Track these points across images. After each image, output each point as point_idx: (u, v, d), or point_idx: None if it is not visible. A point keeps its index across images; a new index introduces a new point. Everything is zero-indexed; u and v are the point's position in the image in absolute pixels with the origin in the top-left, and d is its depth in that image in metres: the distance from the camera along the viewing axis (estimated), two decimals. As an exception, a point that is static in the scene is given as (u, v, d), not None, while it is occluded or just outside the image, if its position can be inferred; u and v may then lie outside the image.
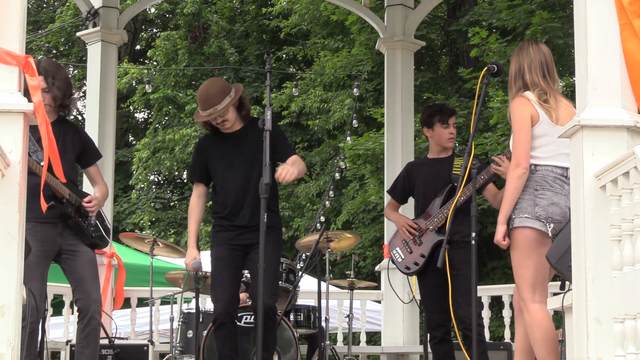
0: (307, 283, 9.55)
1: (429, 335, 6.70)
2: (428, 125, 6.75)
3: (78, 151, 6.06)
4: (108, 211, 9.32)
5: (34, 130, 5.70)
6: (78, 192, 6.03)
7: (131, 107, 23.99)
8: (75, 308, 6.22)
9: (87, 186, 7.85)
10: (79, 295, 5.89)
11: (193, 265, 6.31)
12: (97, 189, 6.23)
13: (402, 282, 8.37)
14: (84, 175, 6.53)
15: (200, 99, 6.05)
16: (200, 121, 6.17)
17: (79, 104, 23.17)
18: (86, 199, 6.00)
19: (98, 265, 8.77)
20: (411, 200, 7.20)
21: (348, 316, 8.35)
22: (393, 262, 6.83)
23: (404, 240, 6.76)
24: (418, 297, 7.74)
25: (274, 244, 6.01)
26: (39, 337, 5.93)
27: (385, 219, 9.70)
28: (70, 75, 23.42)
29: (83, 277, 5.86)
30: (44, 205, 5.22)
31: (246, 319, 7.11)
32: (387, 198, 7.39)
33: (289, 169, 5.78)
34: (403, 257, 6.74)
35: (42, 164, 5.57)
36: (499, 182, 6.65)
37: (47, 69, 5.82)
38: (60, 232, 5.88)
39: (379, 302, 10.25)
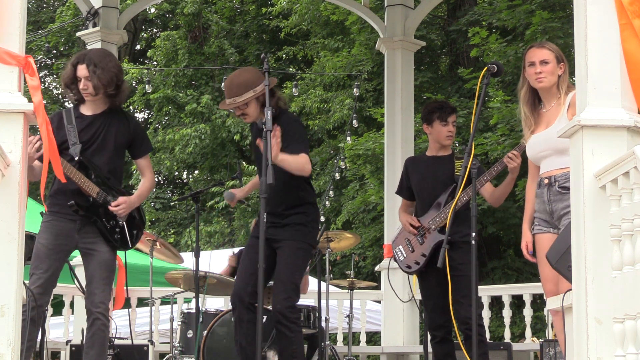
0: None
1: (429, 334, 6.70)
2: (427, 121, 6.77)
3: (125, 143, 5.89)
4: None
5: (80, 120, 5.70)
6: (113, 190, 5.85)
7: (131, 107, 23.99)
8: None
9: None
10: (86, 294, 5.86)
11: (225, 195, 6.25)
12: (142, 182, 6.08)
13: (402, 281, 8.37)
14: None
15: (225, 86, 5.97)
16: (223, 108, 6.10)
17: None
18: (114, 202, 5.78)
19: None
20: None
21: (348, 316, 8.35)
22: (395, 260, 6.84)
23: (406, 239, 6.76)
24: (418, 297, 7.75)
25: (293, 241, 5.84)
26: (39, 335, 5.92)
27: (385, 219, 9.72)
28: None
29: (92, 277, 5.79)
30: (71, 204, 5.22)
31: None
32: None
33: (277, 144, 5.57)
34: (405, 255, 6.75)
35: (76, 158, 5.56)
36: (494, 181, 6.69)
37: (90, 58, 5.73)
38: (79, 228, 5.72)
39: (379, 302, 10.25)
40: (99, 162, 5.68)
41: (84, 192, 5.65)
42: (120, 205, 5.81)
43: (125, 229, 5.92)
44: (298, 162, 5.76)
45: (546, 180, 5.27)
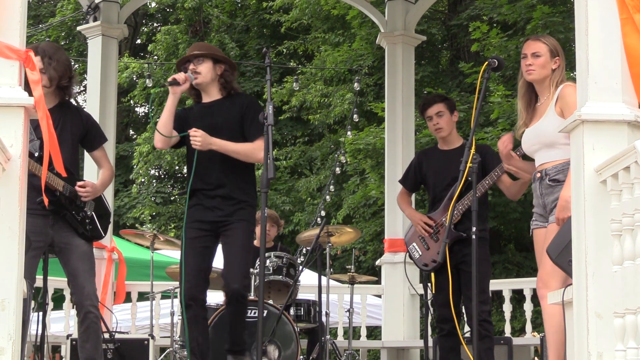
0: (308, 277, 9.55)
1: (437, 328, 6.67)
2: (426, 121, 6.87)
3: (80, 135, 5.96)
4: (109, 205, 9.31)
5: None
6: (75, 181, 5.92)
7: (132, 102, 23.98)
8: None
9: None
10: (72, 289, 5.86)
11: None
12: (101, 172, 6.13)
13: (402, 276, 8.38)
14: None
15: (195, 44, 6.20)
16: (178, 65, 6.17)
17: (80, 98, 23.20)
18: (80, 183, 5.89)
19: (99, 259, 8.87)
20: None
21: (348, 310, 8.36)
22: (410, 258, 6.81)
23: (420, 236, 6.73)
24: (420, 291, 7.74)
25: (247, 222, 5.93)
26: (34, 331, 5.92)
27: (386, 214, 9.70)
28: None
29: (76, 270, 5.81)
30: (45, 200, 5.21)
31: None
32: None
33: (205, 140, 5.74)
34: (421, 253, 6.71)
35: (36, 154, 5.55)
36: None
37: (44, 50, 5.77)
38: (52, 224, 5.78)
39: (380, 296, 10.25)
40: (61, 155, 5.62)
41: (49, 186, 5.65)
42: (87, 188, 5.91)
43: (95, 218, 5.99)
44: (247, 148, 5.86)
45: (538, 175, 5.32)
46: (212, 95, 6.11)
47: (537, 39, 5.48)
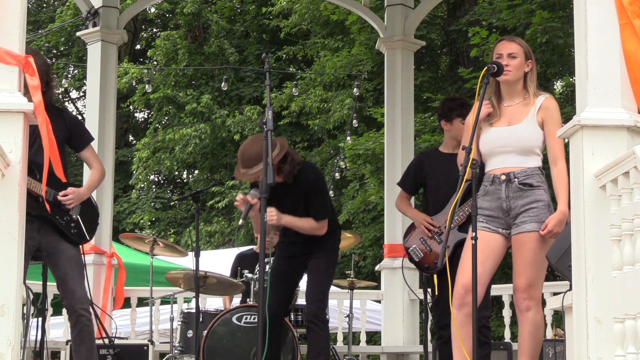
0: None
1: (436, 334, 6.65)
2: (447, 118, 6.70)
3: (64, 137, 5.85)
4: (108, 211, 9.31)
5: None
6: (59, 186, 5.82)
7: (131, 107, 23.99)
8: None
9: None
10: (63, 294, 5.80)
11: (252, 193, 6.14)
12: (90, 174, 6.06)
13: (402, 281, 8.37)
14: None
15: (239, 157, 6.21)
16: (238, 178, 6.45)
17: (80, 104, 23.21)
18: (61, 193, 5.79)
19: (98, 265, 8.87)
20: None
21: (348, 316, 8.35)
22: (411, 260, 6.77)
23: (422, 238, 6.67)
24: (420, 296, 7.72)
25: (329, 253, 6.50)
26: (33, 336, 5.90)
27: (385, 219, 9.70)
28: (70, 75, 23.44)
29: (65, 275, 5.76)
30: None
31: (246, 318, 7.10)
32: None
33: (278, 217, 6.22)
34: (422, 255, 6.67)
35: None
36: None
37: None
38: (38, 228, 5.70)
39: (379, 301, 10.25)
40: (42, 161, 5.27)
41: (32, 192, 5.52)
42: (69, 196, 5.82)
43: (80, 222, 5.93)
44: (310, 225, 6.39)
45: (503, 177, 5.25)
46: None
47: (513, 40, 5.44)
